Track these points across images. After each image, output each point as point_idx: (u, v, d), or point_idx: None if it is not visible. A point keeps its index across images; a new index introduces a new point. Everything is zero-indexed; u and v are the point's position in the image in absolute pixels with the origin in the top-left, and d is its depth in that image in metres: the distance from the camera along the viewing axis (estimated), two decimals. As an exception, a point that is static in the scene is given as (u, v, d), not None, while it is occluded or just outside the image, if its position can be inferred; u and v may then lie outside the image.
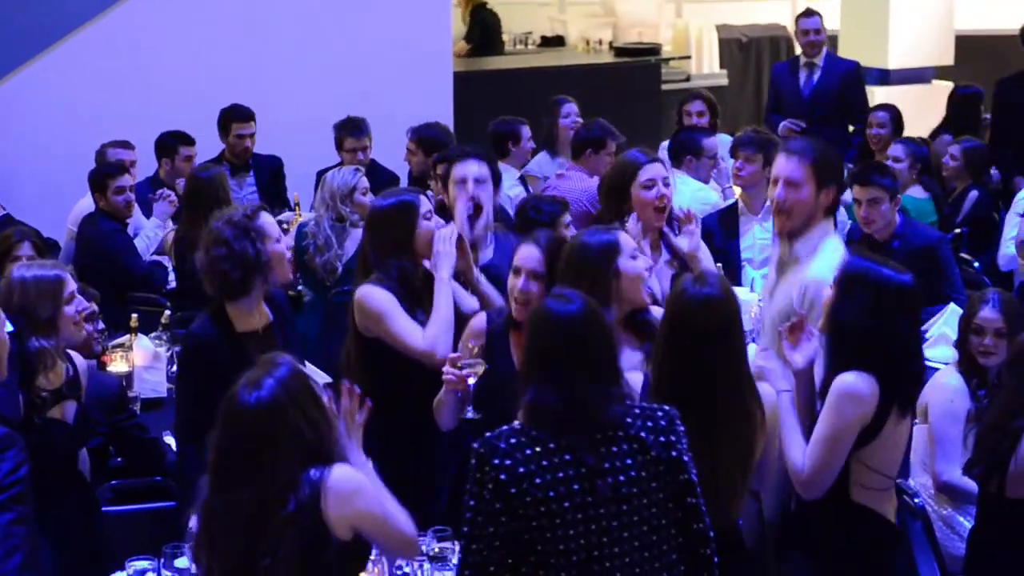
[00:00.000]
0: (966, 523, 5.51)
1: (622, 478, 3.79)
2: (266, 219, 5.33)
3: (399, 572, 4.53)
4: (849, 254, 4.76)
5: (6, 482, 3.81)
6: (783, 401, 4.60)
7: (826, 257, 5.18)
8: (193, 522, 4.63)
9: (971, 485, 5.22)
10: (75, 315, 5.06)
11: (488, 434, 3.81)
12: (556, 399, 3.79)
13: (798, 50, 11.15)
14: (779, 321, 5.11)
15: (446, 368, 4.89)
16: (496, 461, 3.74)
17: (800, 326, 4.64)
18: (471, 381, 4.85)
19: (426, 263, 5.46)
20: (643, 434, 3.83)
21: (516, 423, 3.84)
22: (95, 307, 5.27)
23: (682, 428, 3.89)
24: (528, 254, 5.08)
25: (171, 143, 9.43)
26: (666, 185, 5.92)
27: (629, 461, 3.80)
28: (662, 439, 3.84)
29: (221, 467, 3.73)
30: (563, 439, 3.77)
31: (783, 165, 5.27)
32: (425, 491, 5.20)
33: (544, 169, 9.27)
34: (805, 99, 10.53)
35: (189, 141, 9.43)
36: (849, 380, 4.46)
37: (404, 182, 9.37)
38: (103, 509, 5.31)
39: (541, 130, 9.62)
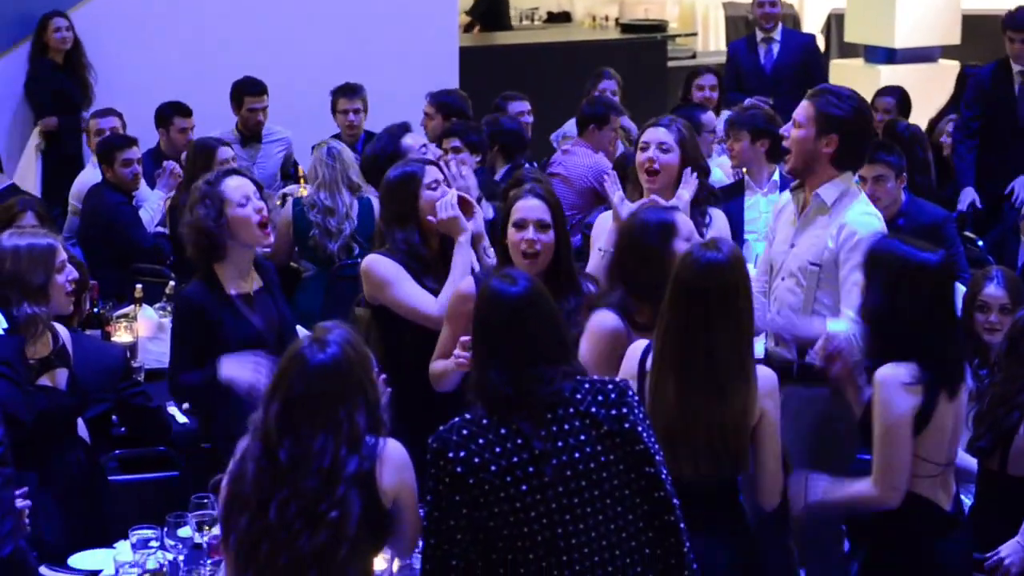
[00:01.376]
0: (966, 501, 5.50)
1: (577, 455, 3.80)
2: (229, 183, 5.35)
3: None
4: (877, 236, 4.72)
5: None
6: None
7: (861, 206, 5.31)
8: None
9: (971, 464, 5.22)
10: (65, 284, 5.06)
11: (441, 428, 3.83)
12: (501, 380, 3.81)
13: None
14: (806, 268, 5.25)
15: (457, 351, 4.88)
16: (451, 455, 3.75)
17: (832, 356, 4.71)
18: None
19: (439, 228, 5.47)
20: (594, 409, 3.84)
21: (467, 414, 3.86)
22: (77, 274, 5.25)
23: (635, 399, 3.90)
24: (532, 205, 5.08)
25: (167, 114, 9.45)
26: (663, 151, 5.84)
27: (583, 437, 3.81)
28: (613, 412, 3.85)
29: (288, 417, 3.71)
30: (513, 424, 3.79)
31: (796, 110, 5.39)
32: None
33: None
34: (768, 74, 10.47)
35: (185, 112, 9.43)
36: (889, 372, 4.42)
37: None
38: (107, 478, 5.33)
39: (560, 103, 9.67)
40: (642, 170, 5.82)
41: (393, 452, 3.79)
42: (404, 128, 6.22)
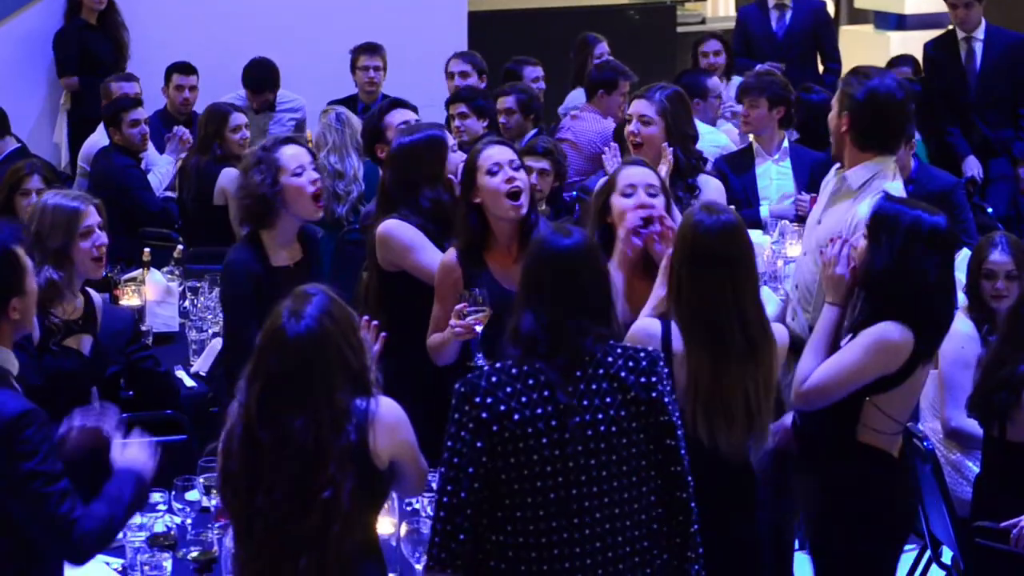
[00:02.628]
0: (974, 468, 5.52)
1: (600, 416, 3.80)
2: (286, 151, 5.33)
3: (408, 508, 4.54)
4: (882, 199, 4.73)
5: (39, 468, 3.74)
6: (827, 313, 4.63)
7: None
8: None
9: (979, 430, 5.23)
10: (92, 250, 5.04)
11: (469, 375, 3.83)
12: (535, 326, 3.81)
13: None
14: (823, 249, 5.17)
15: (452, 321, 4.87)
16: (478, 399, 3.75)
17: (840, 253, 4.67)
18: (478, 329, 4.86)
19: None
20: (623, 374, 3.84)
21: (497, 363, 3.86)
22: (106, 240, 5.23)
23: (665, 371, 3.89)
24: (499, 150, 5.07)
25: (168, 70, 9.54)
26: (644, 124, 5.78)
27: (608, 400, 3.81)
28: (643, 380, 3.84)
29: (268, 398, 3.68)
30: (541, 374, 3.79)
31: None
32: (438, 426, 5.14)
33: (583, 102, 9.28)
34: (779, 40, 10.38)
35: (184, 70, 9.50)
36: (891, 331, 4.43)
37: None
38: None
39: (570, 68, 9.66)
40: (629, 142, 5.84)
41: (386, 413, 3.75)
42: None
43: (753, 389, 4.23)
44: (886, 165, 5.27)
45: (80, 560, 3.87)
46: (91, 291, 5.20)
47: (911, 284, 4.45)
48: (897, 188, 5.22)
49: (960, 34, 9.36)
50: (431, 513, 4.44)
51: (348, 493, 3.64)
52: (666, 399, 3.85)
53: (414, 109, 6.62)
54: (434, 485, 4.35)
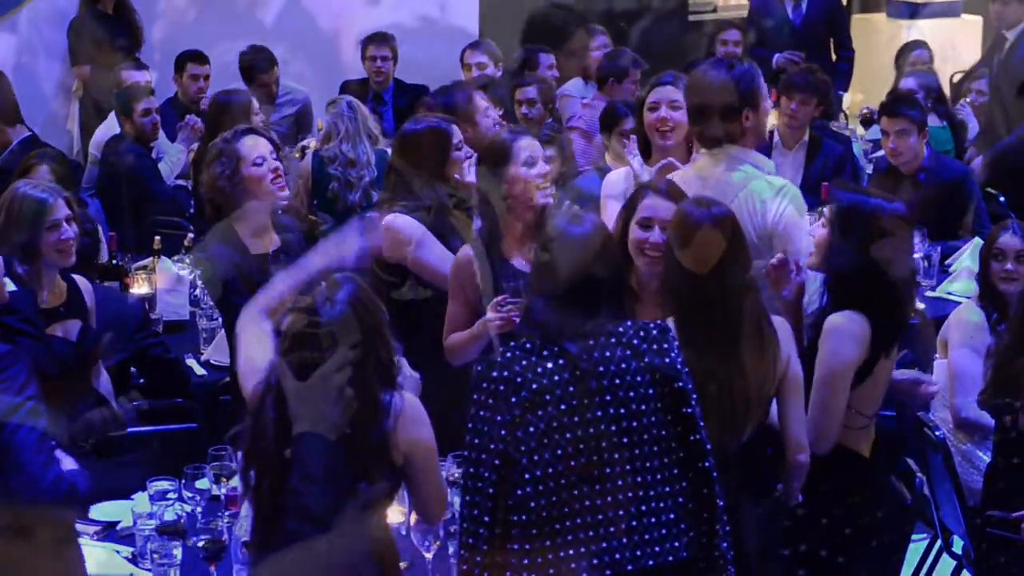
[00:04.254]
0: (985, 457, 5.51)
1: (618, 381, 3.80)
2: (246, 142, 5.35)
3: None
4: (835, 190, 4.70)
5: (17, 400, 3.82)
6: None
7: None
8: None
9: (989, 420, 5.22)
10: (58, 242, 5.02)
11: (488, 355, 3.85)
12: (547, 312, 3.84)
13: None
14: None
15: (490, 315, 4.88)
16: (495, 374, 3.77)
17: (783, 263, 4.61)
18: (517, 320, 4.86)
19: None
20: (636, 341, 3.85)
21: (512, 342, 3.89)
22: (72, 234, 5.18)
23: (676, 342, 3.90)
24: (535, 143, 5.07)
25: (181, 60, 9.55)
26: (675, 109, 5.70)
27: (624, 366, 3.81)
28: (655, 346, 3.86)
29: (301, 384, 3.63)
30: (556, 347, 3.81)
31: None
32: (443, 418, 5.12)
33: (580, 91, 9.28)
34: (797, 29, 10.35)
35: (197, 59, 9.50)
36: (841, 321, 4.41)
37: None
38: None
39: (572, 57, 9.66)
40: (654, 130, 5.75)
41: (411, 407, 3.78)
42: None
43: (751, 384, 4.21)
44: (718, 156, 5.11)
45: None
46: (76, 277, 5.20)
47: (878, 272, 4.42)
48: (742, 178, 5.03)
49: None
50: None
51: (383, 488, 3.68)
52: (679, 365, 3.86)
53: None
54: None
